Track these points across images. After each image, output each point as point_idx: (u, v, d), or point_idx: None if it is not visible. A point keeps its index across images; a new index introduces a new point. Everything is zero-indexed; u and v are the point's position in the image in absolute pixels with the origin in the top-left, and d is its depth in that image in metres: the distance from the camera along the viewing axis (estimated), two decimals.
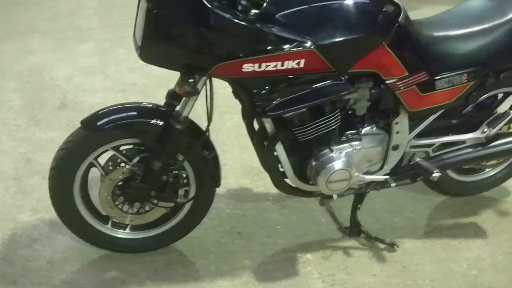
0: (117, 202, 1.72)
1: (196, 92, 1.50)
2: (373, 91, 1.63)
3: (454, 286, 1.77)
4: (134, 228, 1.86)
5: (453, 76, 1.66)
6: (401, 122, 1.73)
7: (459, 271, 1.82)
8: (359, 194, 1.95)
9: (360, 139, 1.70)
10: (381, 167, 1.83)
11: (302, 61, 1.43)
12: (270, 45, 1.42)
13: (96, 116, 1.63)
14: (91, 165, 1.69)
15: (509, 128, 1.93)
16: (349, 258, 1.89)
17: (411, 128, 1.77)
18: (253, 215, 2.12)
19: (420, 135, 1.82)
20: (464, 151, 1.86)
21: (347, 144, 1.68)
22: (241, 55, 1.41)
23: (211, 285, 1.78)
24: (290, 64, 1.43)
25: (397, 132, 1.75)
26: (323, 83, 1.51)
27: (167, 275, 1.82)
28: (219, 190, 2.24)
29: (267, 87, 1.48)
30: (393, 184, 1.80)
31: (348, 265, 1.86)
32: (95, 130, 1.62)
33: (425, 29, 1.65)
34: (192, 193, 1.79)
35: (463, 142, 1.86)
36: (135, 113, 1.65)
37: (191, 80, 1.48)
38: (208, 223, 2.07)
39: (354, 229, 1.97)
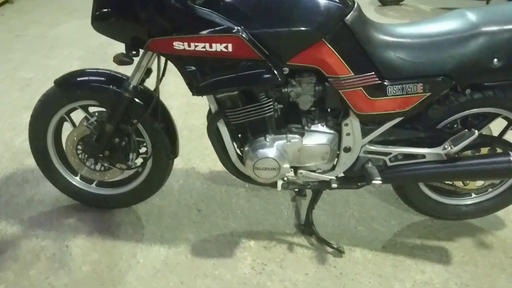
0: (79, 156, 1.90)
1: (128, 63, 1.63)
2: (316, 87, 1.60)
3: None
4: (100, 184, 2.04)
5: (407, 84, 1.55)
6: (352, 125, 1.66)
7: None
8: (316, 193, 1.91)
9: (302, 134, 1.68)
10: (334, 168, 1.78)
11: (230, 46, 1.47)
12: (200, 26, 1.47)
13: (66, 77, 1.83)
14: (63, 119, 1.90)
15: (477, 151, 1.74)
16: (289, 253, 1.86)
17: (366, 133, 1.69)
18: (221, 198, 2.18)
19: (376, 142, 1.73)
20: (421, 166, 1.71)
21: (284, 136, 1.67)
22: (172, 32, 1.50)
23: (149, 248, 1.89)
24: (218, 47, 1.47)
25: (348, 134, 1.68)
26: (251, 70, 1.52)
27: (116, 232, 1.97)
28: (201, 169, 2.35)
29: (197, 67, 1.54)
30: (334, 185, 1.74)
31: (285, 259, 1.84)
32: (62, 89, 1.82)
33: (381, 33, 1.56)
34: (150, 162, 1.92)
35: (423, 156, 1.72)
36: (97, 78, 1.81)
37: (134, 52, 1.63)
38: (176, 196, 2.19)
39: (307, 228, 1.93)
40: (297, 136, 1.67)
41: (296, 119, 1.70)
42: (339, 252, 1.85)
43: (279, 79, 1.52)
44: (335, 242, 1.87)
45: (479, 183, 1.85)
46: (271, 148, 1.64)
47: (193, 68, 1.55)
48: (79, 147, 1.89)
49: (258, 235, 1.96)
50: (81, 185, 2.03)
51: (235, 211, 2.09)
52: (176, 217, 2.06)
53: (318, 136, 1.69)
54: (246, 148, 1.69)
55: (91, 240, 1.92)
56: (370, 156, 1.74)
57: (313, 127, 1.69)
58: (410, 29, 1.60)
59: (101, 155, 1.85)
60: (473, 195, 1.94)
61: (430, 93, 1.56)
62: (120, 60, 1.61)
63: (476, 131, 1.63)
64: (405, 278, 1.75)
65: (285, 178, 1.76)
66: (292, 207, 2.12)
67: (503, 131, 1.82)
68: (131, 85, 1.71)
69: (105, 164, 1.89)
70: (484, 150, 1.74)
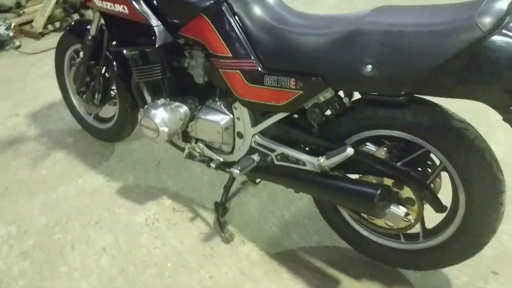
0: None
1: (68, 15, 1.91)
2: (204, 63, 1.58)
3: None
4: (95, 117, 2.39)
5: (281, 77, 1.37)
6: (240, 109, 1.56)
7: None
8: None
9: (196, 107, 1.68)
10: (232, 152, 1.70)
11: (126, 8, 1.60)
12: None
13: (71, 25, 2.26)
14: (73, 57, 2.32)
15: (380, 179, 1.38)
16: (187, 221, 1.84)
17: (255, 122, 1.56)
18: (182, 161, 2.20)
19: (267, 136, 1.57)
20: (297, 173, 1.49)
21: (167, 101, 1.69)
22: None
23: (93, 176, 2.14)
24: (118, 8, 1.63)
25: (238, 119, 1.59)
26: (140, 33, 1.61)
27: (91, 161, 2.27)
28: None
29: (111, 24, 1.73)
30: (212, 165, 1.67)
31: (178, 224, 1.83)
32: (67, 33, 2.26)
33: (268, 17, 1.42)
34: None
35: (304, 164, 1.48)
36: (84, 27, 2.12)
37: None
38: (142, 146, 2.37)
39: (217, 206, 1.87)
40: (183, 106, 1.67)
41: (195, 92, 1.70)
42: (226, 240, 1.74)
43: (154, 45, 1.56)
44: (228, 230, 1.77)
45: (382, 222, 1.48)
46: (156, 110, 1.67)
47: (109, 25, 1.74)
48: None
49: (178, 198, 1.98)
50: (84, 114, 2.41)
51: (185, 175, 2.13)
52: (138, 162, 2.24)
53: (211, 113, 1.64)
54: (145, 106, 1.77)
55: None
56: (259, 148, 1.59)
57: (210, 103, 1.66)
58: (303, 19, 1.40)
59: (81, 90, 2.19)
60: (402, 239, 1.55)
61: (302, 92, 1.35)
62: (64, 8, 1.94)
63: (350, 147, 1.33)
64: (261, 284, 1.56)
65: (187, 147, 1.77)
66: (235, 188, 2.04)
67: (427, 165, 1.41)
68: (90, 35, 2.00)
69: (84, 98, 2.22)
70: (388, 181, 1.39)
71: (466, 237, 1.36)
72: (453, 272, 1.55)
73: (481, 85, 1.06)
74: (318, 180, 1.43)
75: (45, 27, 3.82)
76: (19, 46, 3.75)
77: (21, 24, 3.93)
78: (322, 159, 1.40)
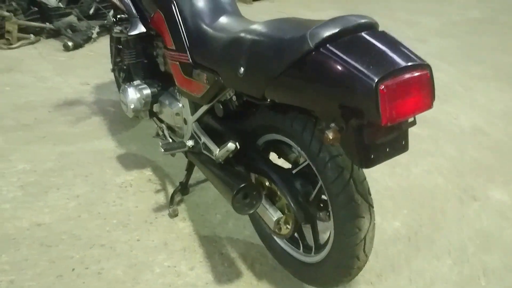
0: None
1: None
2: (163, 52, 1.80)
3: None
4: None
5: (201, 72, 1.52)
6: (181, 95, 1.75)
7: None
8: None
9: (155, 88, 1.95)
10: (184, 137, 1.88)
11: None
12: None
13: None
14: None
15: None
16: (151, 192, 2.08)
17: (194, 110, 1.72)
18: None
19: (200, 124, 1.72)
20: (202, 160, 1.68)
21: (139, 82, 1.95)
22: None
23: (107, 138, 2.50)
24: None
25: (183, 106, 1.77)
26: (121, 22, 1.91)
27: (115, 128, 2.65)
28: None
29: (114, 13, 2.04)
30: (161, 149, 1.79)
31: (145, 192, 2.08)
32: None
33: (202, 17, 1.58)
34: None
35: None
36: None
37: None
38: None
39: (180, 186, 2.04)
40: (148, 89, 1.93)
41: (162, 78, 1.94)
42: (170, 214, 1.93)
43: (117, 30, 1.83)
44: (175, 206, 1.95)
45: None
46: (129, 89, 1.93)
47: (112, 11, 2.08)
48: None
49: (158, 172, 2.22)
50: None
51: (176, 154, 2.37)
52: (148, 136, 2.53)
53: (168, 98, 1.88)
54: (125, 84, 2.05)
55: None
56: (195, 135, 1.74)
57: (170, 90, 1.89)
58: (234, 22, 1.53)
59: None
60: (301, 250, 1.56)
61: (209, 87, 1.49)
62: None
63: (231, 143, 1.48)
64: (174, 257, 1.71)
65: (156, 126, 2.01)
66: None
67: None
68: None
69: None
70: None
71: (336, 257, 1.35)
72: None
73: (310, 95, 1.09)
74: (208, 167, 1.56)
75: None
76: None
77: None
78: (217, 151, 1.51)
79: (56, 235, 1.81)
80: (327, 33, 1.04)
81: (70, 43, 3.83)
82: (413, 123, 1.10)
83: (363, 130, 1.02)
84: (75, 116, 2.75)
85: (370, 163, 1.06)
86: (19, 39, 3.87)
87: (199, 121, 1.72)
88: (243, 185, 1.36)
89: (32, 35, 3.95)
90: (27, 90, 3.08)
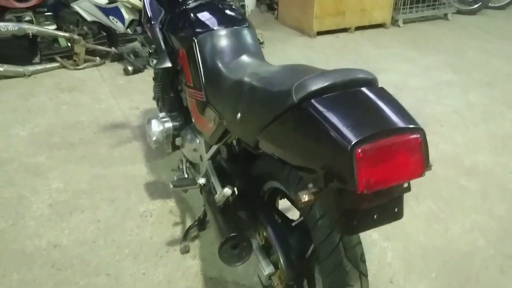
0: None
1: None
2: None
3: None
4: None
5: (211, 111, 1.49)
6: (197, 132, 1.76)
7: None
8: None
9: (178, 123, 1.95)
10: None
11: (149, 33, 2.00)
12: None
13: None
14: None
15: None
16: (170, 224, 2.07)
17: (208, 149, 1.69)
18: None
19: (213, 163, 1.68)
20: (207, 200, 1.63)
21: (164, 115, 1.96)
22: None
23: (142, 164, 2.54)
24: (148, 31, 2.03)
25: (199, 143, 1.76)
26: (153, 54, 2.03)
27: (151, 155, 2.69)
28: None
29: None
30: (170, 186, 1.79)
31: (163, 223, 2.07)
32: None
33: (219, 58, 1.53)
34: None
35: None
36: None
37: None
38: None
39: (200, 220, 2.01)
40: (170, 122, 1.94)
41: (186, 112, 1.92)
42: (181, 250, 1.90)
43: (154, 67, 1.86)
44: (187, 242, 1.92)
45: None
46: (153, 121, 1.95)
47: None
48: None
49: (181, 204, 2.21)
50: None
51: None
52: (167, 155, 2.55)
53: (189, 134, 1.85)
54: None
55: None
56: (208, 174, 1.70)
57: (192, 125, 1.86)
58: (249, 66, 1.47)
59: None
60: None
61: (216, 128, 1.47)
62: None
63: (227, 188, 1.41)
64: None
65: (178, 159, 2.02)
66: None
67: None
68: None
69: None
70: None
71: None
72: None
73: (292, 151, 1.01)
74: (211, 209, 1.51)
75: None
76: None
77: None
78: (217, 194, 1.46)
79: (68, 259, 1.84)
80: (314, 87, 0.96)
81: (130, 68, 4.00)
82: (408, 189, 0.98)
83: (344, 194, 0.92)
84: (117, 139, 2.84)
85: (352, 230, 0.96)
86: (85, 61, 4.12)
87: (212, 159, 1.68)
88: (232, 234, 1.29)
89: (98, 58, 4.19)
90: (81, 109, 3.24)
